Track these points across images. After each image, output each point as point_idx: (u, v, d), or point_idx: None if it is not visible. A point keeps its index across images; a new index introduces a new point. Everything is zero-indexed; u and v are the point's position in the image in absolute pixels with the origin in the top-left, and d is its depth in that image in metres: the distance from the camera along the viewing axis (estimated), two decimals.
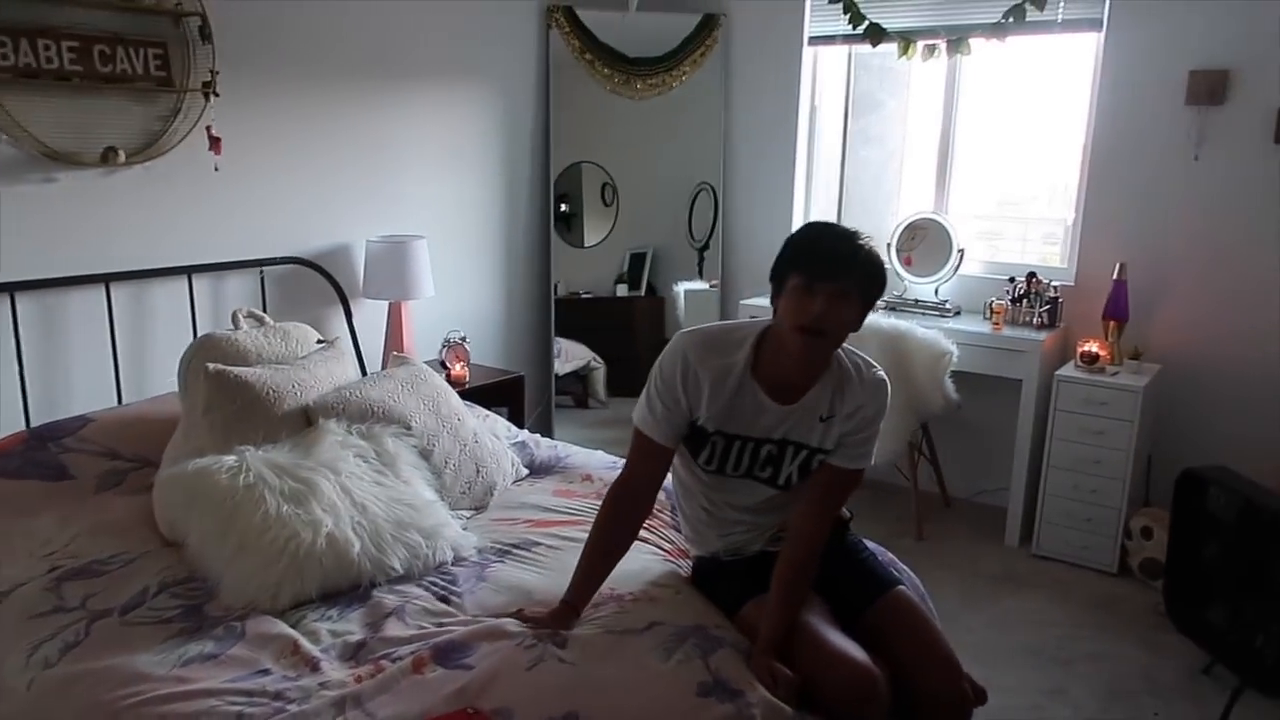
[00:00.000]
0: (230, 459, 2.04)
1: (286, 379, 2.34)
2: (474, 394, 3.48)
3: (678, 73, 4.32)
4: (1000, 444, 3.85)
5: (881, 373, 1.90)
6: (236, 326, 2.56)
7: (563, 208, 4.40)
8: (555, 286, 4.38)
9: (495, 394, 3.69)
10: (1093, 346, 3.47)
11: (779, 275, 1.81)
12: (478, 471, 2.48)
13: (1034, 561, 3.52)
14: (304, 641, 1.75)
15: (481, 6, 3.85)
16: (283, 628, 1.80)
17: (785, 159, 4.31)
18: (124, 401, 2.81)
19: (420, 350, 3.65)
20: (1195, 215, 3.47)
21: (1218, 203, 3.42)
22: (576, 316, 4.50)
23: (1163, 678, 2.80)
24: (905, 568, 2.23)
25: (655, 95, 4.32)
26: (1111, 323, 3.52)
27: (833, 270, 1.73)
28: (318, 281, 3.36)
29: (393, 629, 1.81)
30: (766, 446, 1.88)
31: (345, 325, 3.43)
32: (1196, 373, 3.54)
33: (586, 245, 4.57)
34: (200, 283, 3.03)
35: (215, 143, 2.89)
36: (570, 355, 4.52)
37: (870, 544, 2.16)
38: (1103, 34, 3.54)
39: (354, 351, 3.43)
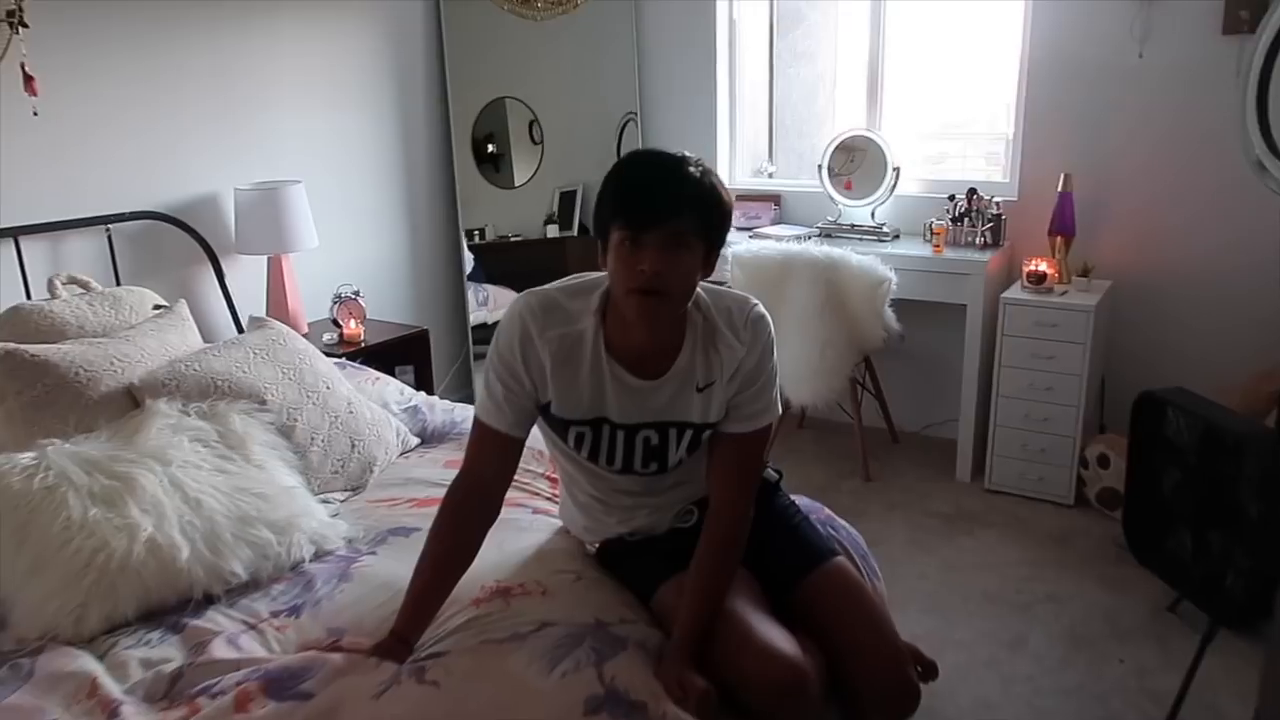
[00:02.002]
0: (26, 456, 1.69)
1: (103, 355, 1.97)
2: (374, 354, 3.16)
3: None
4: (947, 374, 3.61)
5: (758, 308, 1.59)
6: (54, 295, 2.18)
7: (490, 148, 4.01)
8: (483, 231, 4.04)
9: (399, 351, 3.36)
10: (1040, 265, 3.21)
11: (601, 227, 1.47)
12: (352, 446, 2.16)
13: (987, 497, 3.31)
14: (105, 679, 1.43)
15: None
16: (83, 662, 1.47)
17: (705, 80, 3.95)
18: None
19: (310, 308, 3.29)
20: (1142, 119, 3.21)
21: (1165, 103, 3.15)
22: (505, 261, 4.16)
23: (1126, 619, 2.60)
24: (846, 525, 1.97)
25: (559, 14, 3.92)
26: (1058, 238, 3.26)
27: (659, 213, 1.40)
28: (180, 238, 2.96)
29: (219, 653, 1.49)
30: (643, 433, 1.58)
31: (217, 285, 3.05)
32: (1149, 288, 3.31)
33: (517, 185, 4.21)
34: (33, 247, 2.61)
35: (29, 81, 2.47)
36: (499, 303, 4.20)
37: (805, 501, 1.90)
38: None
39: (229, 313, 3.08)
